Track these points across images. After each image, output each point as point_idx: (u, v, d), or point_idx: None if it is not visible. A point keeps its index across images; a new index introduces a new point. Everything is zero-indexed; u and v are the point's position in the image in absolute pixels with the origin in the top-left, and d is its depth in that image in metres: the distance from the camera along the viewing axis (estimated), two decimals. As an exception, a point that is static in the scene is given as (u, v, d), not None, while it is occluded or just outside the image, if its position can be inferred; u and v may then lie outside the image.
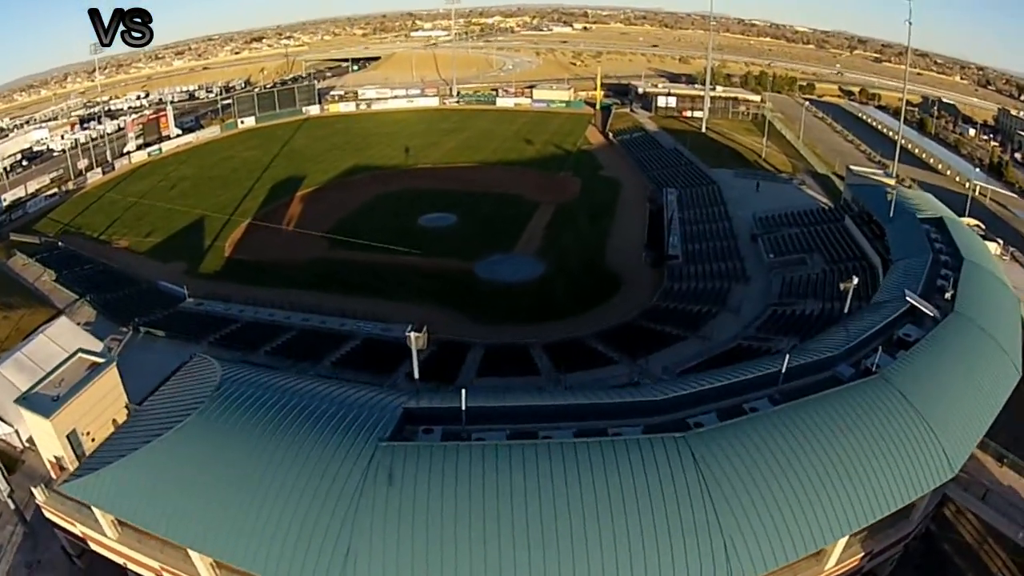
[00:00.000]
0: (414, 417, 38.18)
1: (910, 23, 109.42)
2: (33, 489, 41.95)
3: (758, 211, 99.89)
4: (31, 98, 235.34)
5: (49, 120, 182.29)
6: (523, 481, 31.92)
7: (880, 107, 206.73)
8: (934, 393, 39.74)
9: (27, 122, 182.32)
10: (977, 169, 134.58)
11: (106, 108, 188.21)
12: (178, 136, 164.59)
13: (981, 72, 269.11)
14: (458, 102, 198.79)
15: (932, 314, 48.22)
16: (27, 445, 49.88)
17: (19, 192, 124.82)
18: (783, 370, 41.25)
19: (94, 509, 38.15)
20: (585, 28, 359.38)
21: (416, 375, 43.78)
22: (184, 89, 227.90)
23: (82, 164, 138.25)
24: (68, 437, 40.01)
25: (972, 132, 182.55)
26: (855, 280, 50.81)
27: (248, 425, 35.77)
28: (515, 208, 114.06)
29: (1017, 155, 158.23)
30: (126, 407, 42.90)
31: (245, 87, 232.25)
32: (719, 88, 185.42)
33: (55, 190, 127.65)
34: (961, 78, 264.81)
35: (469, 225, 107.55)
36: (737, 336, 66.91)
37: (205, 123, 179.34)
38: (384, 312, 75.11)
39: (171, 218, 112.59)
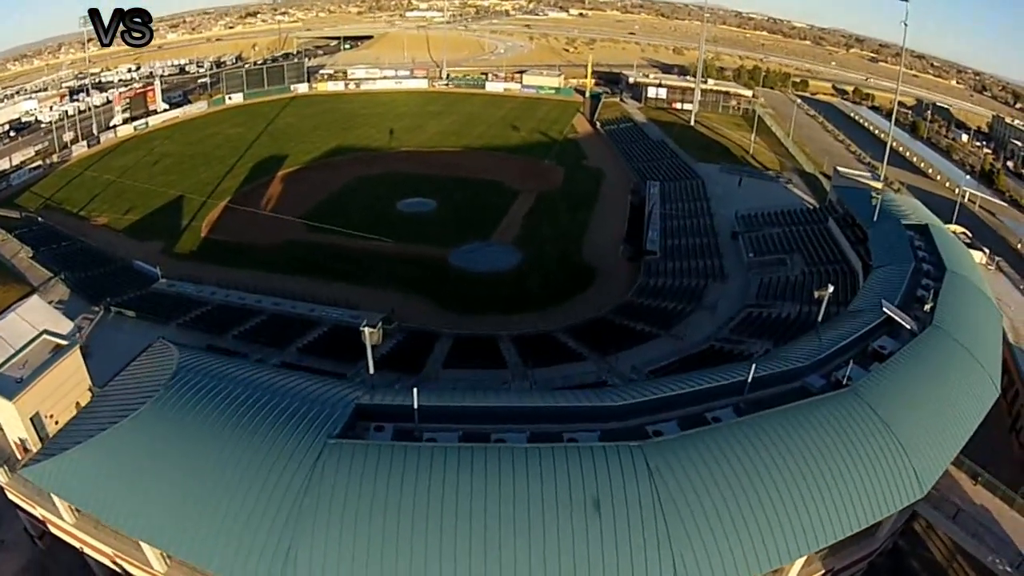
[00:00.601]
0: (366, 413, 37.02)
1: (906, 24, 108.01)
2: (-4, 470, 41.57)
3: (741, 208, 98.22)
4: (23, 68, 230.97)
5: (39, 91, 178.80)
6: (470, 485, 30.83)
7: (873, 108, 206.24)
8: (907, 409, 38.21)
9: (17, 92, 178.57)
10: (968, 176, 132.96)
11: (96, 80, 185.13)
12: (165, 111, 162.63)
13: (978, 77, 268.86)
14: (447, 85, 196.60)
15: (909, 327, 46.83)
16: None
17: (3, 164, 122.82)
18: (749, 379, 39.61)
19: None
20: (581, 14, 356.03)
21: (371, 370, 42.14)
22: (175, 63, 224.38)
23: (68, 137, 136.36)
24: (32, 420, 39.39)
25: (965, 138, 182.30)
26: (830, 288, 48.86)
27: (199, 417, 34.98)
28: (496, 195, 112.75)
29: (1010, 163, 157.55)
30: (89, 389, 42.20)
31: (236, 63, 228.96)
32: (711, 81, 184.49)
33: (39, 163, 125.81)
34: (957, 82, 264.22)
35: (448, 211, 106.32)
36: (710, 337, 65.55)
37: (193, 98, 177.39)
38: (356, 298, 74.42)
39: (151, 195, 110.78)
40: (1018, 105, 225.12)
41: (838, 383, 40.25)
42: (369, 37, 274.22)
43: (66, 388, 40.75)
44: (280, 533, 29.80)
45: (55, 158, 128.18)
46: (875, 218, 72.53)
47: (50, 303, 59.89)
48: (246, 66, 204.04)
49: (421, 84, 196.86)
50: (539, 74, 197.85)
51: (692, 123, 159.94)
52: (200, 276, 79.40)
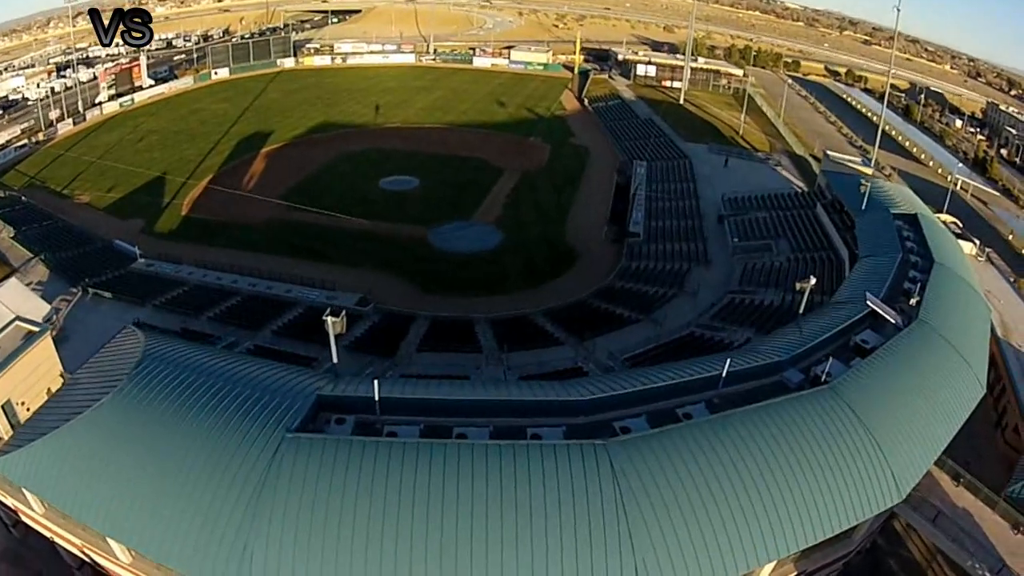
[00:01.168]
0: (328, 404, 36.11)
1: (898, 9, 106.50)
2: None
3: (728, 191, 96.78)
4: (12, 43, 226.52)
5: (27, 67, 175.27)
6: (429, 484, 29.79)
7: (866, 90, 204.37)
8: (887, 410, 36.73)
9: (5, 69, 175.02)
10: (960, 164, 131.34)
11: (84, 56, 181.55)
12: (151, 86, 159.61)
13: (972, 63, 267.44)
14: (434, 60, 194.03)
15: (894, 321, 45.34)
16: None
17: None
18: (724, 373, 38.03)
19: (19, 483, 37.25)
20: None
21: (335, 359, 40.57)
22: (162, 37, 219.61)
23: (53, 115, 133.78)
24: (3, 407, 38.98)
25: (959, 123, 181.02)
26: (812, 281, 47.07)
27: (160, 409, 34.09)
28: (479, 173, 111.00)
29: (1003, 151, 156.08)
30: (61, 375, 41.90)
31: (224, 36, 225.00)
32: (701, 60, 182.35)
33: (25, 141, 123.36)
34: (951, 68, 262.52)
35: (430, 189, 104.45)
36: (691, 323, 64.46)
37: (180, 73, 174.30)
38: (334, 278, 73.78)
39: (134, 173, 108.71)
40: (1013, 92, 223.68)
41: (817, 379, 38.79)
42: (357, 11, 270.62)
43: (37, 375, 40.49)
44: (236, 530, 28.94)
45: (41, 136, 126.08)
46: (863, 206, 70.85)
47: (28, 285, 60.85)
48: (233, 40, 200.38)
49: (408, 59, 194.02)
50: (527, 50, 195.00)
51: (681, 101, 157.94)
52: (179, 255, 78.51)
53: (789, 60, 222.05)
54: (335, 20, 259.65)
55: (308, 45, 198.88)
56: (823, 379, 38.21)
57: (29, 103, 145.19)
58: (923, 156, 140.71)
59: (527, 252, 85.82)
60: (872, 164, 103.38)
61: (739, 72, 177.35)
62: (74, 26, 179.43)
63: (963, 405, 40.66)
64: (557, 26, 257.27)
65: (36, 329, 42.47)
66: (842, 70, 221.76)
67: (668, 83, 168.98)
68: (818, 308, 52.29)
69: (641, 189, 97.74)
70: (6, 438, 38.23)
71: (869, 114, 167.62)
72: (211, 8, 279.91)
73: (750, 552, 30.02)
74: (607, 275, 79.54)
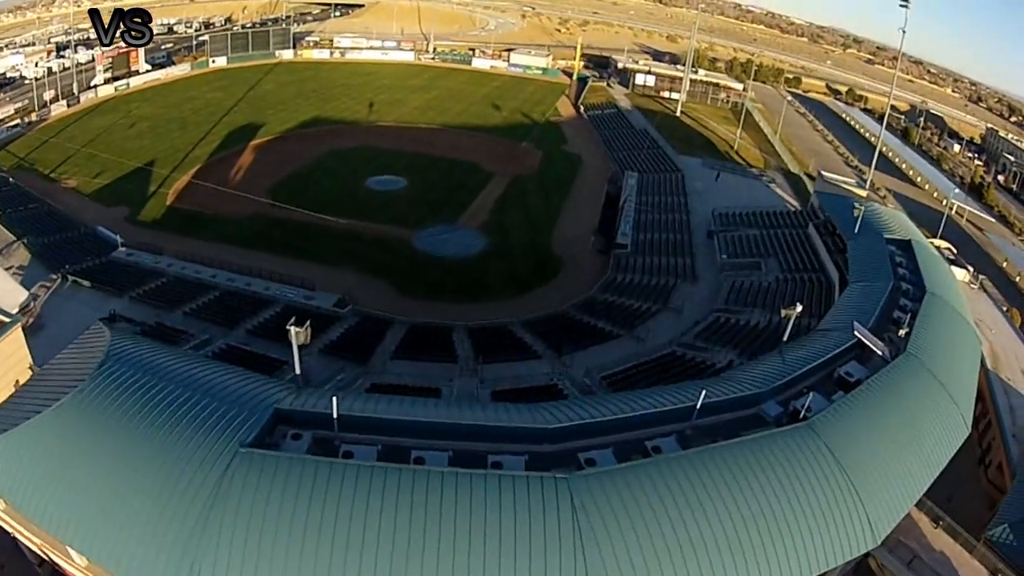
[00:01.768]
0: (285, 418, 35.00)
1: (904, 31, 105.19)
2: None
3: (719, 206, 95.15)
4: (16, 20, 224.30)
5: (27, 45, 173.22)
6: (380, 508, 28.59)
7: (866, 110, 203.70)
8: (867, 451, 35.08)
9: (6, 46, 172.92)
10: (956, 189, 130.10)
11: (85, 37, 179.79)
12: (147, 72, 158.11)
13: (974, 87, 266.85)
14: (433, 59, 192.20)
15: (881, 353, 43.66)
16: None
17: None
18: (698, 405, 36.26)
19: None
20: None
21: (297, 370, 39.52)
22: (164, 22, 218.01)
23: (48, 96, 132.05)
24: None
25: (957, 148, 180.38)
26: (799, 308, 45.48)
27: (118, 413, 33.00)
28: (468, 177, 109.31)
29: (1000, 177, 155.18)
30: (30, 367, 42.25)
31: (225, 24, 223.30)
32: (701, 71, 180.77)
33: (17, 121, 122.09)
34: (953, 91, 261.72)
35: (418, 191, 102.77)
36: (673, 341, 62.60)
37: (177, 60, 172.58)
38: (314, 276, 72.46)
39: (123, 159, 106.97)
40: (1013, 119, 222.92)
41: (796, 414, 37.13)
42: (360, 5, 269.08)
43: (6, 367, 40.68)
44: (184, 546, 27.99)
45: (34, 116, 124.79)
46: (856, 229, 69.20)
47: (9, 269, 62.22)
48: (233, 29, 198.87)
49: (407, 56, 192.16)
50: (527, 53, 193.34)
51: (678, 113, 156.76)
52: (161, 245, 77.62)
53: (791, 76, 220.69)
54: (337, 13, 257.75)
55: (308, 38, 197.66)
56: (802, 415, 36.53)
57: (26, 82, 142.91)
58: (919, 179, 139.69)
59: (511, 259, 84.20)
60: (868, 185, 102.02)
61: (739, 86, 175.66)
62: (78, 6, 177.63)
63: (946, 447, 39.12)
64: (559, 30, 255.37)
65: (6, 320, 42.35)
66: (843, 89, 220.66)
67: (666, 93, 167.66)
68: (804, 333, 50.82)
69: (630, 200, 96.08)
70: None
71: (867, 134, 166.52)
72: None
73: (714, 597, 28.35)
74: (591, 287, 77.83)
